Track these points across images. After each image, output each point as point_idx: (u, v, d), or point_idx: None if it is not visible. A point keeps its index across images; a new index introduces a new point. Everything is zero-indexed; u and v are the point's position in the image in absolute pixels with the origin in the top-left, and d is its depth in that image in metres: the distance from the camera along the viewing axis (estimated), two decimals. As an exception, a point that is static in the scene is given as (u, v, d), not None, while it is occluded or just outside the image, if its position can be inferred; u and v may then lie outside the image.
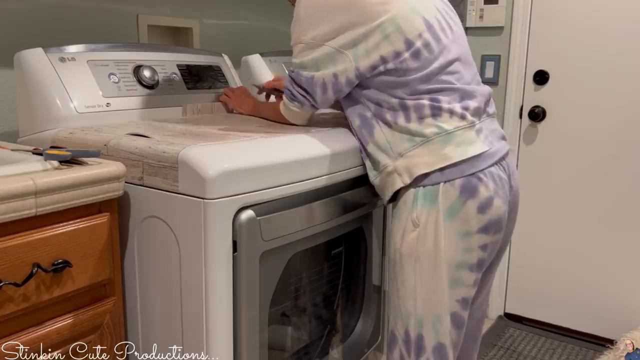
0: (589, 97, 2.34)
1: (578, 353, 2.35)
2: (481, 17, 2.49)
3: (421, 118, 1.18)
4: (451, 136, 1.18)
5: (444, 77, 1.20)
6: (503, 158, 1.25)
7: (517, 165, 2.53)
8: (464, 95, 1.21)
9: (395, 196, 1.27)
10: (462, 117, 1.20)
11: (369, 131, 1.25)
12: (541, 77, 2.42)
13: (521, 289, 2.62)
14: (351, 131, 1.32)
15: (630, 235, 2.33)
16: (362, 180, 1.35)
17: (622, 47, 2.25)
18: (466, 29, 2.54)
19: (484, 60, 2.53)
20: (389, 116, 1.21)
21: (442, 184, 1.17)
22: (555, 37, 2.37)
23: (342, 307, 1.51)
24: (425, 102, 1.18)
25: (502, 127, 2.52)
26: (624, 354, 1.98)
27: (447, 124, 1.18)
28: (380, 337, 1.57)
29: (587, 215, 2.41)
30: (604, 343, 2.32)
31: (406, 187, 1.22)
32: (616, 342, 2.12)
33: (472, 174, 1.17)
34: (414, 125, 1.19)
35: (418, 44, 1.18)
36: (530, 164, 2.51)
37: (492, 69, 2.52)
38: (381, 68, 1.19)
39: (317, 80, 1.26)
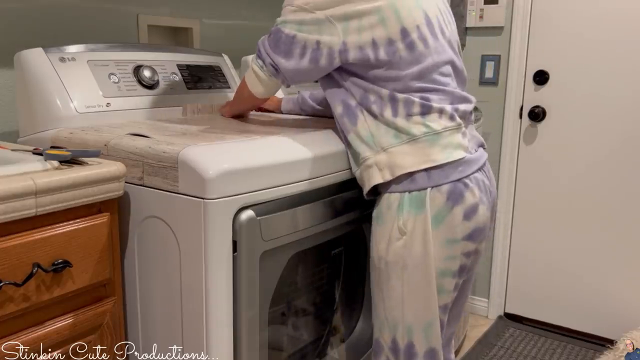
0: (589, 97, 2.34)
1: (578, 353, 2.35)
2: (481, 17, 2.49)
3: (409, 115, 1.14)
4: (439, 137, 1.15)
5: (437, 77, 1.17)
6: (485, 164, 1.24)
7: (516, 166, 2.53)
8: (455, 98, 1.19)
9: (374, 192, 1.22)
10: (451, 118, 1.17)
11: (352, 120, 1.19)
12: (541, 77, 2.42)
13: (521, 289, 2.61)
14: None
15: (631, 236, 2.33)
16: (362, 180, 1.35)
17: (622, 46, 2.25)
18: (466, 29, 2.54)
19: (484, 60, 2.53)
20: (375, 107, 1.16)
21: (429, 189, 1.14)
22: (555, 37, 2.37)
23: (342, 307, 1.51)
24: (416, 99, 1.14)
25: (502, 127, 2.53)
26: (624, 354, 1.98)
27: (436, 123, 1.15)
28: (380, 337, 1.57)
29: (587, 216, 2.41)
30: (604, 343, 2.32)
31: (390, 192, 1.18)
32: (616, 342, 2.12)
33: (459, 180, 1.15)
34: (400, 121, 1.15)
35: (414, 35, 1.13)
36: (530, 164, 2.50)
37: (492, 69, 2.52)
38: (371, 55, 1.13)
39: (298, 41, 1.16)
